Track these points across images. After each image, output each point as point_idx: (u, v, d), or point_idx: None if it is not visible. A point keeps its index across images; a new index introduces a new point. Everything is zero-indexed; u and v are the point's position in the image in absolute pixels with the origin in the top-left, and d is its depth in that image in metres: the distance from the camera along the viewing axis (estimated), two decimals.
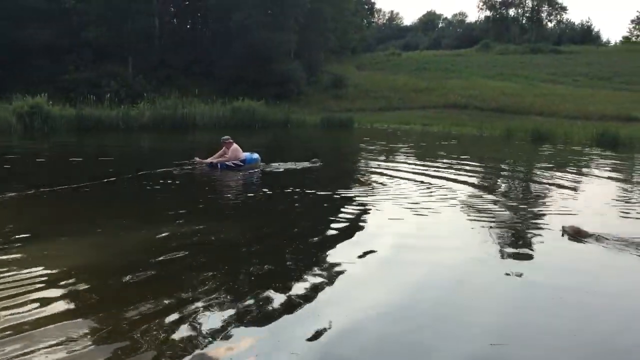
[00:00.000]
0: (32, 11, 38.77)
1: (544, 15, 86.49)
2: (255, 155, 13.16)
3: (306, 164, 13.72)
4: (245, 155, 12.93)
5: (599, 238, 6.69)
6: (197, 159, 13.00)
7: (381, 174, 12.60)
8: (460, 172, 13.16)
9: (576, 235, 6.86)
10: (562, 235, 6.98)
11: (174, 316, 4.28)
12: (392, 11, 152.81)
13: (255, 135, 25.06)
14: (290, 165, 13.65)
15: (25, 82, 36.30)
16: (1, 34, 37.19)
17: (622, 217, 8.30)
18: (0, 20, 37.10)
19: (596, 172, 14.29)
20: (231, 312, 4.37)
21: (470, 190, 10.68)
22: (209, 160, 12.94)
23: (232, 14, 44.67)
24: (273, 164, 13.60)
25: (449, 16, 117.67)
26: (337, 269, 5.57)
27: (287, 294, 4.79)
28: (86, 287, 4.96)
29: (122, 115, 28.10)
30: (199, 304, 4.53)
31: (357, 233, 6.94)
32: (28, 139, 21.93)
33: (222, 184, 11.59)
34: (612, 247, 6.39)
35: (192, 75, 46.39)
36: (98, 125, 26.69)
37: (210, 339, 3.91)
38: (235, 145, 12.83)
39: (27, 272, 5.23)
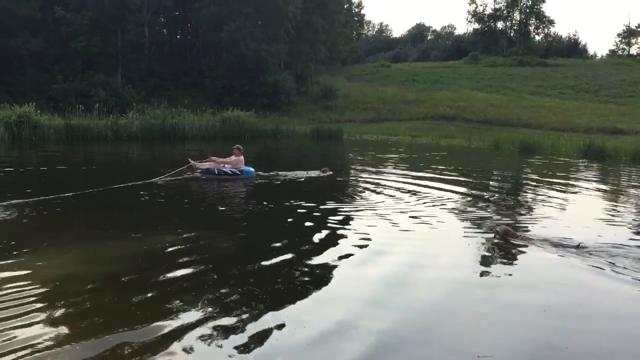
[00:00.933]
0: (22, 20, 38.65)
1: (531, 28, 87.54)
2: (252, 169, 13.53)
3: (317, 173, 14.35)
4: (244, 168, 13.32)
5: (524, 238, 7.25)
6: (190, 160, 13.18)
7: (374, 185, 12.64)
8: (451, 184, 13.22)
9: (505, 235, 7.35)
10: (494, 236, 7.46)
11: (162, 330, 4.28)
12: (381, 23, 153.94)
13: (245, 146, 25.00)
14: (301, 173, 14.27)
15: (14, 91, 36.20)
16: None
17: (610, 226, 8.37)
18: None
19: (583, 183, 14.41)
20: (221, 327, 4.37)
21: (461, 201, 10.75)
22: (206, 165, 13.12)
23: (223, 25, 44.80)
24: (287, 173, 14.28)
25: (438, 28, 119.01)
26: (332, 285, 5.60)
27: (277, 309, 4.80)
28: (74, 299, 4.92)
29: (111, 125, 27.97)
30: (189, 315, 4.53)
31: (350, 247, 6.95)
32: (16, 149, 21.79)
33: (217, 195, 11.60)
34: (536, 247, 6.91)
35: (182, 86, 46.46)
36: (87, 134, 26.56)
37: (198, 352, 3.91)
38: (242, 157, 13.30)
39: (15, 284, 5.20)
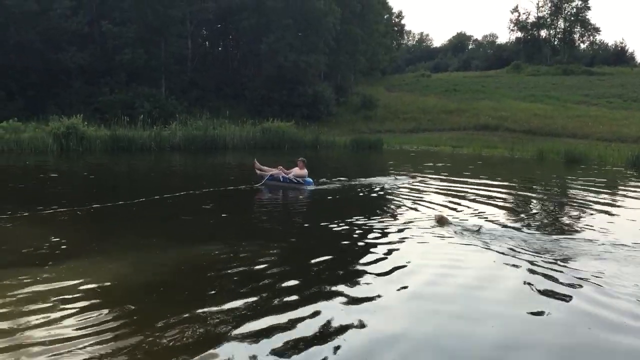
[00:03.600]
0: (70, 35, 39.90)
1: (576, 36, 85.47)
2: (311, 180, 14.15)
3: (404, 180, 15.90)
4: (306, 179, 14.02)
5: (457, 225, 8.81)
6: (256, 162, 14.08)
7: (420, 200, 12.51)
8: (496, 197, 13.00)
9: (440, 222, 8.87)
10: (433, 224, 8.91)
11: (200, 336, 4.32)
12: (422, 33, 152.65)
13: (286, 156, 25.16)
14: (388, 179, 15.96)
15: (62, 103, 37.38)
16: (40, 56, 38.42)
17: None
18: (39, 43, 38.29)
19: (632, 195, 13.93)
20: (256, 336, 4.38)
21: (505, 215, 10.53)
22: (272, 171, 13.91)
23: (263, 37, 45.29)
24: (373, 179, 15.70)
25: (479, 37, 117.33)
26: (367, 302, 5.54)
27: (311, 325, 4.76)
28: (118, 305, 5.02)
29: (155, 136, 28.55)
30: (225, 327, 4.56)
31: (387, 264, 6.90)
32: (64, 159, 22.44)
33: (275, 205, 11.84)
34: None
35: (223, 97, 47.08)
36: (131, 145, 27.16)
37: None
38: (305, 170, 14.05)
39: (61, 287, 5.36)
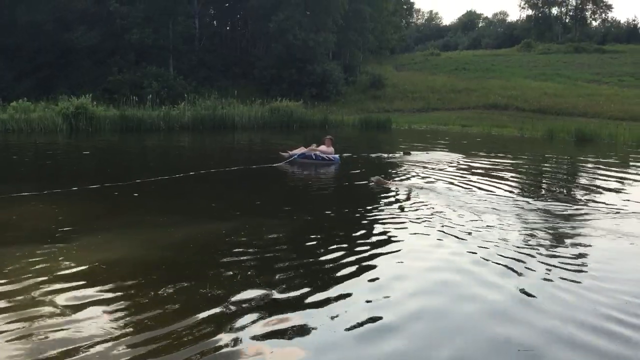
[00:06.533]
0: (79, 14, 39.81)
1: (588, 13, 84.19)
2: (338, 157, 14.47)
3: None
4: (334, 155, 14.37)
5: (395, 185, 9.93)
6: (288, 152, 14.24)
7: (430, 183, 12.49)
8: (500, 173, 12.98)
9: (378, 184, 9.81)
10: (370, 185, 10.08)
11: (210, 314, 4.37)
12: (431, 11, 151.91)
13: (294, 135, 25.16)
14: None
15: (71, 83, 37.43)
16: (49, 36, 38.41)
17: None
18: (48, 23, 38.25)
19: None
20: (271, 317, 4.39)
21: (510, 191, 10.52)
22: (300, 149, 14.22)
23: (271, 15, 44.96)
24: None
25: (490, 15, 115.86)
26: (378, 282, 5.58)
27: (327, 302, 4.82)
28: (125, 282, 5.10)
29: (163, 116, 28.62)
30: (233, 302, 4.62)
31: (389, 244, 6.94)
32: (73, 139, 22.55)
33: (286, 184, 11.94)
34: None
35: (231, 76, 46.92)
36: (140, 125, 27.25)
37: (241, 339, 3.97)
38: (332, 148, 14.42)
39: (71, 264, 5.44)
